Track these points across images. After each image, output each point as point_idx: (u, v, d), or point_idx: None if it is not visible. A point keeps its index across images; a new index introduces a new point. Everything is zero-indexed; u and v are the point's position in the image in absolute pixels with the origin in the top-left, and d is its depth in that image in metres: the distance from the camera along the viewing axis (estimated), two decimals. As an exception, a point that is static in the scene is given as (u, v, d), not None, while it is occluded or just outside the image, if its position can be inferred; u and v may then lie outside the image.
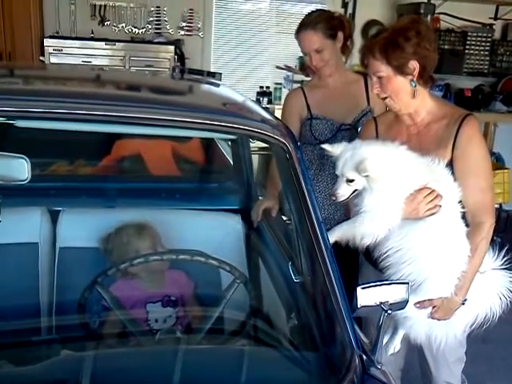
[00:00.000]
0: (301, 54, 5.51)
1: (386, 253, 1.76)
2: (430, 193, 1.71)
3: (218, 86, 1.91)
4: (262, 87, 5.78)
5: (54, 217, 2.10)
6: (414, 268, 1.73)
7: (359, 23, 5.67)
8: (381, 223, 1.70)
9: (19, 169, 1.31)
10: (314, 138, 2.42)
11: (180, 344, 1.41)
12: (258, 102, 5.60)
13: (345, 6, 5.63)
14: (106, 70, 2.53)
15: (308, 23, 2.37)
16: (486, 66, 5.99)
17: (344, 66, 2.51)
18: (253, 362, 1.27)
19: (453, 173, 1.78)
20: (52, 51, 4.87)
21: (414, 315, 1.81)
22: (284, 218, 2.39)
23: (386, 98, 1.84)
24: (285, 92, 5.64)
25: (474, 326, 1.88)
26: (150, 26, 5.43)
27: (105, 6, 5.34)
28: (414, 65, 1.76)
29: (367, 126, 2.06)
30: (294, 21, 5.95)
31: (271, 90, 5.81)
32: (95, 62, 4.89)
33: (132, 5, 5.38)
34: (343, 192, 1.70)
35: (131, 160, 3.33)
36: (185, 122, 1.31)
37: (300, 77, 5.43)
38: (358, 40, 2.50)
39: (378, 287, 1.35)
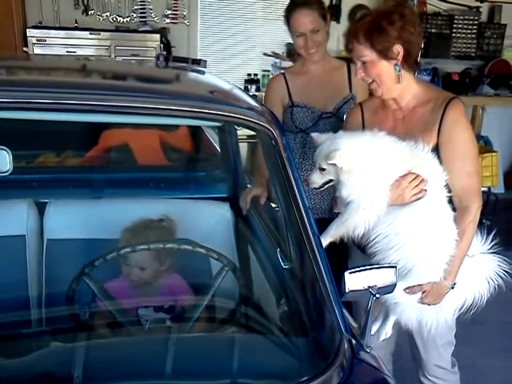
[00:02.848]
0: (289, 41, 5.50)
1: (374, 239, 1.76)
2: (415, 178, 1.71)
3: (203, 73, 1.89)
4: (249, 75, 5.76)
5: (41, 209, 2.08)
6: (403, 253, 1.73)
7: (346, 8, 5.65)
8: (368, 210, 1.70)
9: (0, 160, 1.29)
10: (294, 126, 2.40)
11: (169, 333, 1.40)
12: (245, 89, 5.58)
13: (328, -9, 5.59)
14: (89, 60, 2.50)
15: (302, 3, 2.29)
16: (473, 49, 6.00)
17: (327, 51, 2.47)
18: (241, 348, 1.27)
19: (439, 157, 1.77)
20: (35, 42, 4.80)
21: (404, 301, 1.81)
22: (273, 205, 2.39)
23: (371, 82, 1.83)
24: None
25: (462, 310, 1.89)
26: (134, 15, 5.37)
27: (88, -6, 5.27)
28: (398, 49, 1.74)
29: (353, 112, 2.05)
30: (280, 7, 5.91)
31: (259, 77, 5.80)
32: (80, 52, 4.83)
33: (116, -8, 5.31)
34: (315, 179, 1.72)
35: (119, 150, 3.30)
36: (169, 109, 1.29)
37: (288, 63, 5.38)
38: (345, 25, 2.48)
39: (365, 271, 1.35)
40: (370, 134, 1.75)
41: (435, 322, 1.87)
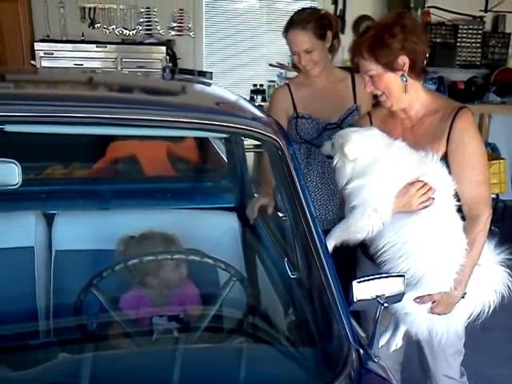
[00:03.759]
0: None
1: (382, 248, 1.75)
2: (423, 186, 1.71)
3: (209, 85, 1.91)
4: (255, 85, 5.78)
5: (49, 220, 2.09)
6: (411, 262, 1.72)
7: (350, 19, 5.68)
8: (372, 217, 1.70)
9: (10, 173, 1.31)
10: (299, 137, 2.41)
11: (177, 344, 1.40)
12: (251, 99, 5.60)
13: (335, 1, 5.63)
14: (95, 73, 2.52)
15: (298, 22, 2.31)
16: (479, 58, 6.00)
17: (331, 63, 2.48)
18: (249, 358, 1.26)
19: (448, 166, 1.77)
20: (43, 55, 4.87)
21: (415, 311, 1.80)
22: (280, 214, 2.40)
23: (380, 95, 1.84)
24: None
25: (471, 319, 1.88)
26: (140, 28, 5.43)
27: (94, 8, 5.33)
28: (403, 60, 1.74)
29: (361, 120, 2.05)
30: (286, 18, 5.95)
31: (265, 87, 5.82)
32: (87, 64, 4.89)
33: (122, 6, 5.37)
34: (326, 148, 1.84)
35: (126, 161, 3.33)
36: (176, 121, 1.30)
37: (293, 73, 5.41)
38: (349, 36, 2.49)
39: (373, 280, 1.35)
40: (387, 138, 1.75)
41: (446, 332, 1.86)
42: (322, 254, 1.32)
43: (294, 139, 2.43)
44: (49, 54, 4.87)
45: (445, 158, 1.77)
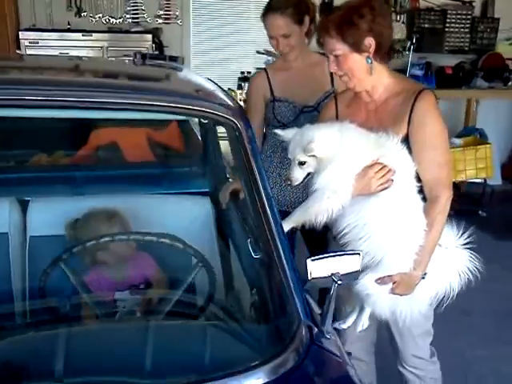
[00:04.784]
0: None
1: (343, 230, 1.77)
2: (382, 168, 1.72)
3: (177, 69, 1.91)
4: (243, 72, 5.76)
5: (24, 206, 2.11)
6: (371, 244, 1.74)
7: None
8: (331, 199, 1.71)
9: None
10: (276, 120, 2.42)
11: (137, 323, 1.43)
12: (239, 87, 5.59)
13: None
14: (70, 59, 2.52)
15: (276, 7, 2.31)
16: (467, 44, 6.00)
17: (307, 48, 2.49)
18: (199, 336, 1.30)
19: (409, 148, 1.79)
20: (28, 44, 4.87)
21: (376, 291, 1.81)
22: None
23: (342, 75, 1.85)
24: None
25: (434, 300, 1.89)
26: (127, 16, 5.41)
27: (80, -5, 5.31)
28: (369, 41, 1.75)
29: (327, 104, 2.07)
30: (272, 5, 5.94)
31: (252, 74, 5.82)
32: (73, 53, 4.86)
33: (109, -6, 5.35)
34: (297, 175, 1.73)
35: (107, 148, 3.36)
36: (131, 103, 1.32)
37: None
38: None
39: (328, 258, 1.36)
40: (338, 124, 1.77)
41: (409, 313, 1.88)
42: (275, 234, 1.34)
43: (271, 123, 2.44)
44: (34, 42, 4.87)
45: (406, 140, 1.79)
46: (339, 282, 1.34)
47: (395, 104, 1.83)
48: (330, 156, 1.69)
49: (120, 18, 5.41)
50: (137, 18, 5.43)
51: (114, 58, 2.69)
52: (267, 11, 2.35)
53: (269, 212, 1.36)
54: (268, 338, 1.32)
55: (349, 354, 2.24)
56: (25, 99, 1.34)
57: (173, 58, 2.13)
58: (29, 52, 4.85)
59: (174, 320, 1.44)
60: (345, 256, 1.40)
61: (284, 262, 1.30)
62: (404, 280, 1.78)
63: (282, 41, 2.33)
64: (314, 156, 1.69)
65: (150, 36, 5.09)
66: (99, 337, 1.40)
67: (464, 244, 1.89)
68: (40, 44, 4.89)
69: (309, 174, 1.75)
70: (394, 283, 1.79)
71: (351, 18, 1.73)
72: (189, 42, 5.64)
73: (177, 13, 5.54)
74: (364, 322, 1.97)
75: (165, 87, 1.51)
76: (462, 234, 1.89)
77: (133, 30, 5.27)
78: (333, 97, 2.09)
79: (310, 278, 1.33)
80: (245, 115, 1.54)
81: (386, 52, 1.83)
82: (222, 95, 1.61)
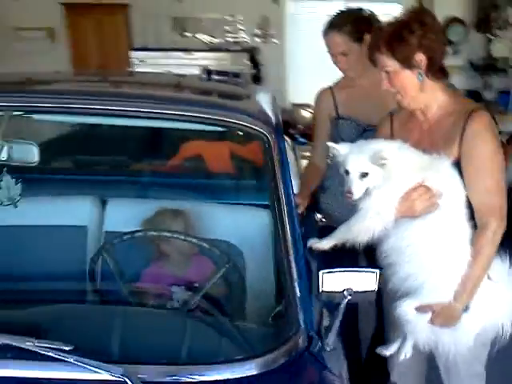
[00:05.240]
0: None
1: (385, 252, 1.73)
2: (426, 191, 1.66)
3: (240, 84, 2.03)
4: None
5: (104, 205, 2.29)
6: (412, 268, 1.67)
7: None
8: (373, 220, 1.67)
9: (30, 153, 1.52)
10: (340, 138, 2.39)
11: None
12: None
13: (421, 2, 5.47)
14: (139, 75, 2.71)
15: (335, 25, 2.33)
16: None
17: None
18: (193, 332, 1.38)
19: (461, 171, 1.71)
20: (138, 63, 5.28)
21: (415, 319, 1.72)
22: (318, 216, 2.43)
23: (396, 93, 1.82)
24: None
25: (487, 341, 1.76)
26: (226, 36, 5.68)
27: (185, 18, 5.67)
28: (420, 57, 1.71)
29: (382, 122, 2.02)
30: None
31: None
32: (175, 71, 5.20)
33: (210, 16, 5.66)
34: (358, 188, 1.64)
35: (193, 160, 3.58)
36: (163, 113, 1.43)
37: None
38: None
39: (343, 273, 1.35)
40: (398, 142, 1.71)
41: (453, 348, 1.77)
42: (289, 242, 1.37)
43: (335, 141, 2.44)
44: (142, 61, 5.28)
45: (458, 163, 1.71)
46: (349, 298, 1.32)
47: (448, 124, 1.76)
48: (393, 171, 1.64)
49: (220, 38, 5.69)
50: (236, 37, 5.67)
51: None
52: (326, 29, 2.37)
53: (287, 221, 1.39)
54: (264, 337, 1.37)
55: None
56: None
57: (236, 75, 2.24)
58: (137, 70, 5.26)
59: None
60: (361, 273, 1.39)
61: (294, 270, 1.33)
62: (444, 311, 1.68)
63: (340, 58, 2.33)
64: (382, 166, 1.62)
65: (247, 55, 5.29)
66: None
67: None
68: (148, 62, 5.29)
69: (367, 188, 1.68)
70: (433, 313, 1.71)
71: (401, 34, 1.70)
72: (285, 60, 5.78)
73: (274, 32, 5.71)
74: (407, 350, 1.88)
75: (201, 99, 1.60)
76: None
77: (231, 48, 5.52)
78: (388, 115, 2.05)
79: (321, 290, 1.33)
80: (279, 129, 1.58)
81: (438, 68, 1.77)
82: (260, 109, 1.68)
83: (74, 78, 2.25)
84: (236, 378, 1.11)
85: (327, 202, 2.43)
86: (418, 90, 1.74)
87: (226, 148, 3.47)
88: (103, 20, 5.61)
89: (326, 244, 1.78)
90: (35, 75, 2.05)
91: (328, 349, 1.25)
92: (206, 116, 1.47)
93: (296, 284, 1.29)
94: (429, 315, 1.70)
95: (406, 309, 1.72)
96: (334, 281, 1.34)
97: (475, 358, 1.85)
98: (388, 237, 1.71)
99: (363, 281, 1.37)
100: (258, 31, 5.68)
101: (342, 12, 2.46)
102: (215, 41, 5.70)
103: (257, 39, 5.69)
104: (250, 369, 1.13)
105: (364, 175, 1.64)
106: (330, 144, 1.79)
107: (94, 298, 1.76)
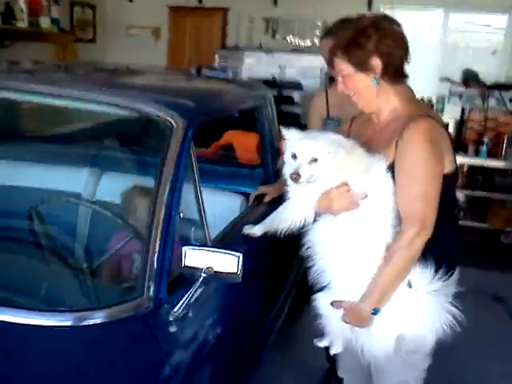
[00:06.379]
0: (466, 67, 5.17)
1: (305, 244, 1.77)
2: (348, 191, 1.68)
3: (225, 80, 2.19)
4: (423, 99, 5.53)
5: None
6: (324, 264, 1.69)
7: None
8: (294, 211, 1.70)
9: None
10: None
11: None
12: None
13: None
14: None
15: (331, 32, 2.25)
16: None
17: None
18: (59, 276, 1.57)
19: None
20: (221, 61, 5.60)
21: (328, 313, 1.73)
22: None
23: (353, 96, 1.83)
24: (448, 106, 5.37)
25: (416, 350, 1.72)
26: (314, 38, 5.77)
27: (277, 20, 5.87)
28: (375, 62, 1.71)
29: (344, 123, 2.05)
30: (467, 32, 5.64)
31: (433, 102, 5.54)
32: (255, 69, 5.45)
33: (302, 19, 5.78)
34: (305, 172, 1.61)
35: (225, 147, 3.76)
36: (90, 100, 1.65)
37: (460, 89, 5.13)
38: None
39: (206, 252, 1.41)
40: (352, 141, 1.71)
41: (371, 349, 1.76)
42: (162, 217, 1.46)
43: None
44: (224, 60, 5.59)
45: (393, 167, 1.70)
46: (203, 275, 1.38)
47: (393, 128, 1.76)
48: (342, 165, 1.64)
49: (307, 39, 5.80)
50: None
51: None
52: (323, 35, 2.43)
53: (163, 203, 1.48)
54: (112, 294, 1.51)
55: (341, 379, 2.18)
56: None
57: (223, 71, 2.41)
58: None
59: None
60: (222, 254, 1.42)
61: (156, 243, 1.42)
62: (352, 310, 1.66)
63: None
64: (334, 155, 1.61)
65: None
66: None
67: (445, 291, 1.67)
68: (229, 60, 5.57)
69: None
70: (344, 310, 1.69)
71: (357, 39, 1.72)
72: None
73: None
74: (337, 346, 1.85)
75: (125, 88, 1.79)
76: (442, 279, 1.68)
77: (308, 50, 5.60)
78: (351, 117, 2.07)
79: (183, 265, 1.39)
80: (194, 120, 1.70)
81: (395, 73, 1.76)
82: (181, 101, 1.79)
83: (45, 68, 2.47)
84: (81, 326, 1.26)
85: None
86: (372, 94, 1.73)
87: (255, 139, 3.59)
88: (202, 22, 6.01)
89: (257, 230, 1.89)
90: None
91: (171, 318, 1.34)
92: (108, 101, 1.65)
93: (155, 255, 1.40)
94: (341, 312, 1.71)
95: (320, 302, 1.76)
96: (196, 257, 1.41)
97: (401, 368, 1.83)
98: (309, 230, 1.77)
99: (225, 262, 1.42)
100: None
101: (342, 20, 2.48)
102: (303, 44, 5.82)
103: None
104: (89, 318, 1.28)
105: (313, 161, 1.63)
106: (282, 128, 1.76)
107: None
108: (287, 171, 1.67)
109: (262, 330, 2.22)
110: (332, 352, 1.90)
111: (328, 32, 2.40)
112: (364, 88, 1.73)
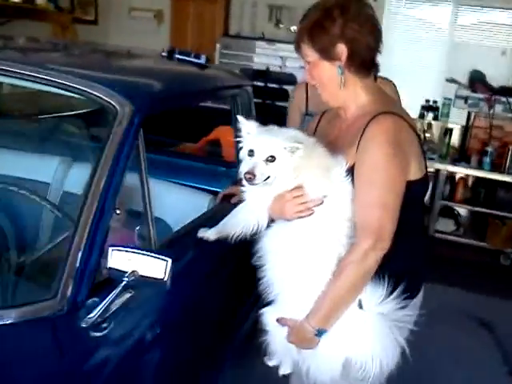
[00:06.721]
0: (473, 68, 4.97)
1: (257, 252, 1.63)
2: (302, 195, 1.49)
3: (198, 66, 2.08)
4: (428, 101, 5.30)
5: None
6: (273, 276, 1.55)
7: None
8: (247, 216, 1.57)
9: None
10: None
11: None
12: (421, 116, 5.18)
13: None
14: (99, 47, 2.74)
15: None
16: None
17: None
18: None
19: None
20: (222, 50, 5.46)
21: (273, 330, 1.60)
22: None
23: (317, 86, 1.67)
24: (453, 109, 5.17)
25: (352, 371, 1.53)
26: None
27: (281, 7, 5.69)
28: (341, 48, 1.54)
29: (314, 119, 1.91)
30: (469, 32, 5.46)
31: (439, 104, 5.32)
32: (256, 59, 5.31)
33: (305, 7, 5.58)
34: (261, 172, 1.45)
35: (212, 143, 3.66)
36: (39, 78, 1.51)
37: (466, 92, 4.92)
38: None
39: (133, 254, 1.29)
40: (313, 139, 1.56)
41: (317, 373, 1.59)
42: (93, 213, 1.35)
43: None
44: (225, 48, 5.44)
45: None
46: (125, 279, 1.28)
47: (357, 127, 1.59)
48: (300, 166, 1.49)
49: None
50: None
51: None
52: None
53: (94, 203, 1.37)
54: (26, 293, 1.44)
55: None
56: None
57: (197, 56, 2.26)
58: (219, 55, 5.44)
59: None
60: (150, 258, 1.33)
61: (82, 244, 1.31)
62: (296, 328, 1.51)
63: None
64: (293, 153, 1.45)
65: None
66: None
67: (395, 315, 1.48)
68: (232, 48, 5.43)
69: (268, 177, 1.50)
70: (288, 328, 1.54)
71: (322, 22, 1.55)
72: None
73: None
74: (285, 367, 1.71)
75: (77, 68, 1.64)
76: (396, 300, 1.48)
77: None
78: (321, 113, 1.91)
79: (106, 266, 1.29)
80: (143, 107, 1.55)
81: (362, 63, 1.58)
82: (130, 84, 1.66)
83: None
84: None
85: None
86: (338, 86, 1.56)
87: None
88: (205, 6, 5.84)
89: (210, 234, 1.75)
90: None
91: (84, 324, 1.22)
92: (67, 84, 1.53)
93: (79, 253, 1.30)
94: (285, 330, 1.56)
95: (265, 317, 1.61)
96: (122, 259, 1.32)
97: None
98: (262, 236, 1.62)
99: (153, 267, 1.30)
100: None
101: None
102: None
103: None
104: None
105: (271, 160, 1.47)
106: (240, 118, 1.59)
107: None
108: (243, 170, 1.50)
109: (218, 341, 2.09)
110: (280, 373, 1.75)
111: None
112: (328, 78, 1.56)
